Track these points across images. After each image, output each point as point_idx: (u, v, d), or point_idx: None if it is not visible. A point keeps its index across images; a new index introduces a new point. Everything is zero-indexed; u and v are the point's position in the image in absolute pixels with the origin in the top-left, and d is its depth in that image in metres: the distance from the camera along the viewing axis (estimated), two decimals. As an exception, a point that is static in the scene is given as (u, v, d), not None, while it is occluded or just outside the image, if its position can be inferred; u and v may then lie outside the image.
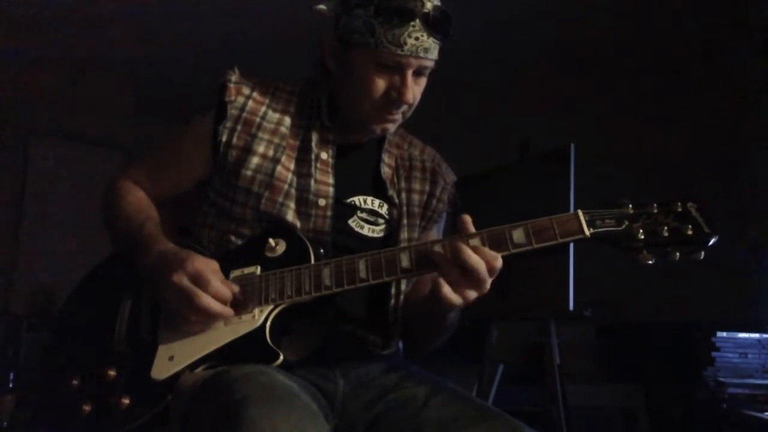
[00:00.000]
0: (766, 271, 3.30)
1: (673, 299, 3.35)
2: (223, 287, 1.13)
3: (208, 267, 1.13)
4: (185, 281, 1.11)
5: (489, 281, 1.08)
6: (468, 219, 1.13)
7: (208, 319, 1.14)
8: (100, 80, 4.97)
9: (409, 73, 1.22)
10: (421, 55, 1.20)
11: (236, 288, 1.16)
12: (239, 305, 1.16)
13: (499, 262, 1.07)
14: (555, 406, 2.27)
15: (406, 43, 1.18)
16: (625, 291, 3.48)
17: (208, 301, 1.11)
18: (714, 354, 2.68)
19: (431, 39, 1.20)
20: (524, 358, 3.33)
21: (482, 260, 1.06)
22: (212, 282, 1.12)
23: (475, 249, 1.07)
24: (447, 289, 1.07)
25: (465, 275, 1.07)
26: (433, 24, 1.19)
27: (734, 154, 3.49)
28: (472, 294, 1.09)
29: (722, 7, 3.45)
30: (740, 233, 3.14)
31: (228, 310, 1.14)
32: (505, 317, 2.61)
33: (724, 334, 2.71)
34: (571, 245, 2.17)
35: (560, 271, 2.20)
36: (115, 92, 5.10)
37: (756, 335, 2.74)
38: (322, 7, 1.27)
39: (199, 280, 1.11)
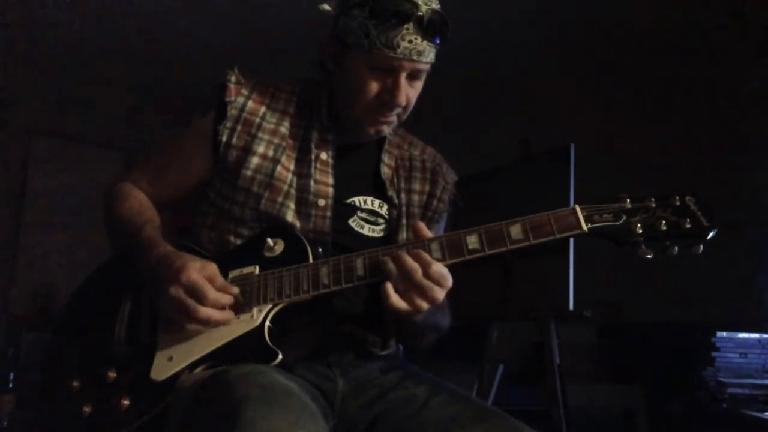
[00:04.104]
0: (766, 271, 3.30)
1: (673, 299, 3.35)
2: (221, 295, 1.13)
3: (205, 274, 1.13)
4: (182, 294, 1.11)
5: (437, 289, 1.08)
6: (421, 225, 1.14)
7: (207, 327, 1.14)
8: (100, 80, 4.97)
9: (402, 75, 1.22)
10: (414, 58, 1.20)
11: (235, 290, 1.15)
12: (239, 306, 1.16)
13: (435, 268, 1.07)
14: (555, 406, 2.27)
15: (399, 46, 1.18)
16: (625, 291, 3.48)
17: (206, 312, 1.11)
18: (714, 354, 2.67)
19: (425, 42, 1.19)
20: (524, 358, 3.33)
21: (418, 265, 1.07)
22: (209, 293, 1.11)
23: (416, 255, 1.08)
24: (394, 297, 1.08)
25: (406, 281, 1.07)
26: (428, 27, 1.18)
27: (734, 154, 3.49)
28: (421, 303, 1.08)
29: (722, 7, 3.45)
30: (740, 233, 3.14)
31: (227, 315, 1.14)
32: (505, 317, 2.61)
33: (724, 334, 2.71)
34: (571, 244, 2.17)
35: (560, 271, 2.19)
36: (115, 92, 5.10)
37: (756, 335, 2.74)
38: (326, 7, 1.27)
39: (195, 292, 1.11)
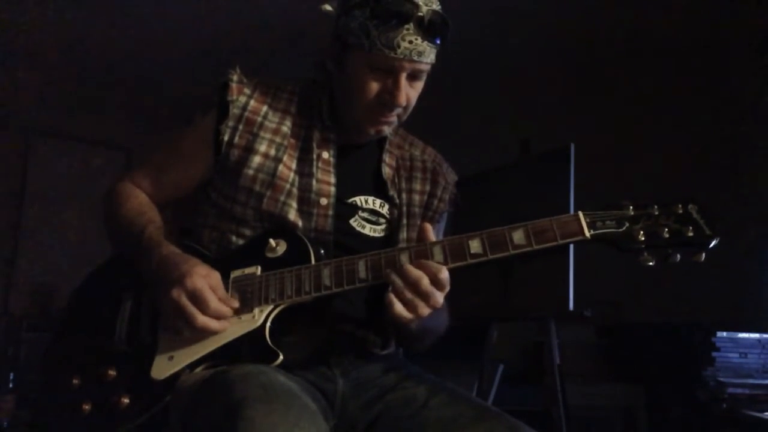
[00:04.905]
0: (766, 271, 3.30)
1: (673, 299, 3.35)
2: (222, 306, 1.14)
3: (208, 283, 1.13)
4: (183, 299, 1.11)
5: (439, 294, 1.09)
6: (428, 227, 1.15)
7: (202, 335, 1.14)
8: (100, 80, 4.97)
9: (403, 76, 1.22)
10: (415, 58, 1.20)
11: (236, 303, 1.16)
12: (239, 313, 1.16)
13: (442, 275, 1.08)
14: (555, 406, 2.27)
15: (399, 46, 1.18)
16: (625, 291, 3.48)
17: (205, 321, 1.12)
18: (714, 354, 2.68)
19: (426, 43, 1.20)
20: (524, 358, 3.33)
21: (424, 274, 1.07)
22: (211, 303, 1.12)
23: (420, 265, 1.08)
24: (399, 306, 1.08)
25: (412, 291, 1.08)
26: (428, 28, 1.18)
27: (734, 155, 3.49)
28: (424, 310, 1.09)
29: (722, 7, 3.45)
30: (740, 233, 3.14)
31: (225, 325, 1.14)
32: (505, 317, 2.61)
33: (724, 334, 2.71)
34: (572, 246, 2.17)
35: (560, 271, 2.20)
36: (115, 92, 5.10)
37: (756, 335, 2.74)
38: (328, 7, 1.27)
39: (197, 300, 1.11)
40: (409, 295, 1.08)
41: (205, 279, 1.13)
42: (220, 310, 1.13)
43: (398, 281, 1.08)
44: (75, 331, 1.32)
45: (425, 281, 1.07)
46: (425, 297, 1.08)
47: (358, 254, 1.16)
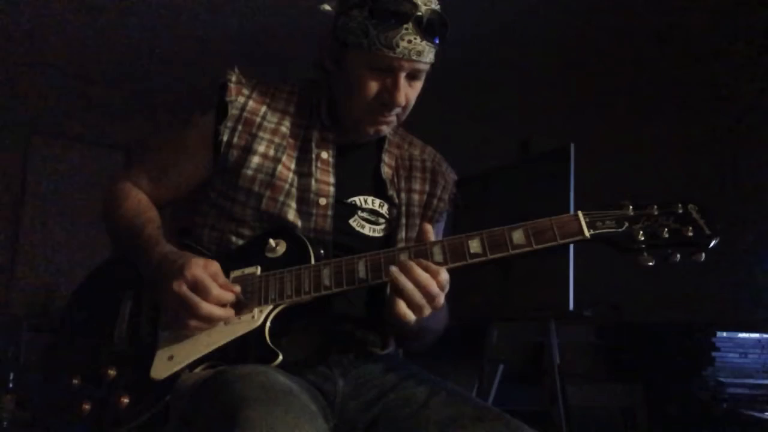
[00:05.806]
0: (766, 271, 3.30)
1: (673, 299, 3.35)
2: (224, 292, 1.13)
3: (208, 271, 1.13)
4: (185, 289, 1.11)
5: (441, 296, 1.09)
6: (429, 228, 1.14)
7: (209, 324, 1.14)
8: (100, 80, 4.97)
9: (402, 75, 1.22)
10: (414, 58, 1.20)
11: (237, 288, 1.16)
12: (241, 304, 1.16)
13: (442, 276, 1.08)
14: (555, 406, 2.27)
15: (398, 46, 1.18)
16: (625, 291, 3.47)
17: (209, 308, 1.12)
18: (714, 354, 2.68)
19: (425, 42, 1.20)
20: (524, 358, 3.33)
21: (432, 278, 1.07)
22: (212, 289, 1.12)
23: (426, 267, 1.08)
24: (403, 307, 1.07)
25: (421, 293, 1.07)
26: (427, 27, 1.18)
27: (734, 155, 3.49)
28: (426, 310, 1.09)
29: (722, 7, 3.45)
30: (740, 233, 3.14)
31: (229, 312, 1.14)
32: (505, 317, 2.61)
33: (724, 334, 2.71)
34: (572, 246, 2.18)
35: (560, 271, 2.20)
36: (115, 92, 5.10)
37: (756, 335, 2.74)
38: (326, 7, 1.27)
39: (198, 288, 1.11)
40: (418, 298, 1.07)
41: (204, 268, 1.13)
42: (223, 296, 1.13)
43: (408, 284, 1.07)
44: (75, 331, 1.32)
45: (434, 284, 1.07)
46: (431, 299, 1.08)
47: (358, 254, 1.16)
